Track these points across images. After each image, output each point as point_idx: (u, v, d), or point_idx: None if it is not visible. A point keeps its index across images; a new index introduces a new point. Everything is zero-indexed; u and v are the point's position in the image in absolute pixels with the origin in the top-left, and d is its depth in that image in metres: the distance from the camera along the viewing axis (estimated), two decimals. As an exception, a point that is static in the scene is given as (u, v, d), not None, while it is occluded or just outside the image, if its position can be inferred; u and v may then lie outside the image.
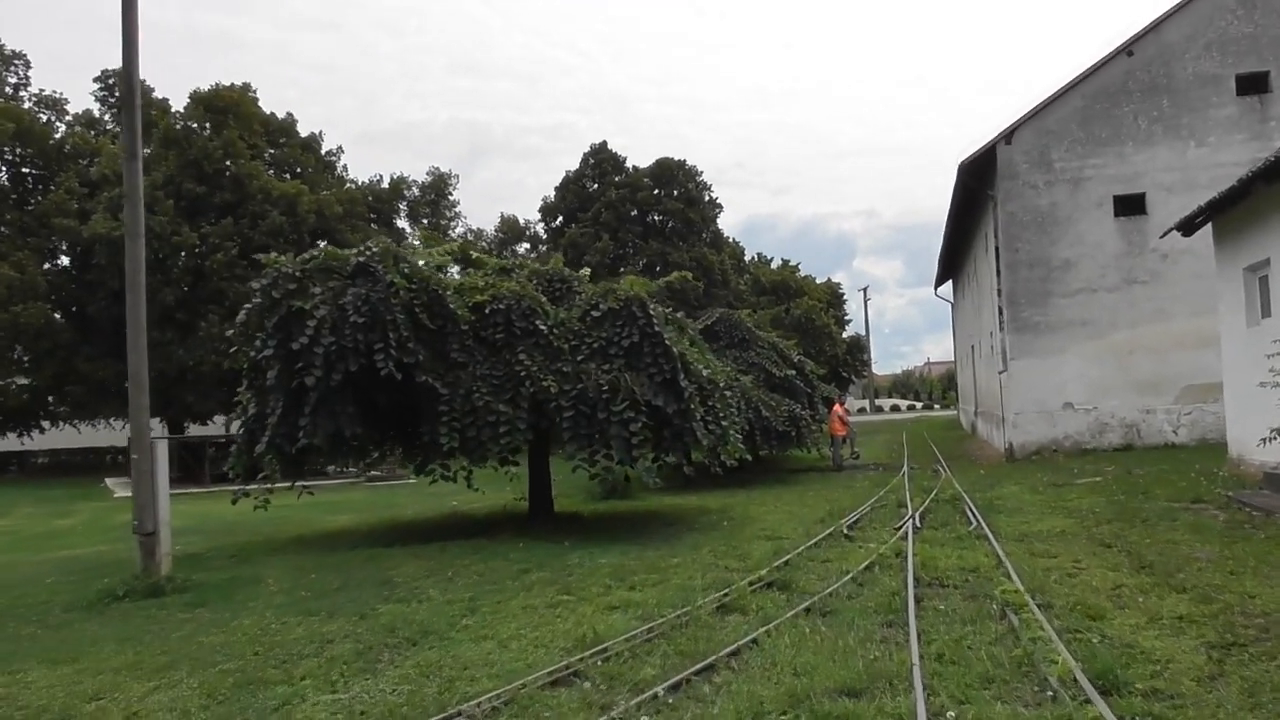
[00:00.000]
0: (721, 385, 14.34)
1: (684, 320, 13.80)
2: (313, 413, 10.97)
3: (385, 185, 40.75)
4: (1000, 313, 22.93)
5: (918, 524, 12.24)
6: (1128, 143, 22.12)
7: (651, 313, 12.35)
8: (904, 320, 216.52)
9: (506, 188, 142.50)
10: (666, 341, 12.13)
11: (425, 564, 10.34)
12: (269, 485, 12.46)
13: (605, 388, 11.69)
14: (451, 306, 11.93)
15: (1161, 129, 22.01)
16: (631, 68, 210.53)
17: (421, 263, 12.26)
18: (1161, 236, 17.92)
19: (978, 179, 23.50)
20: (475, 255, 16.01)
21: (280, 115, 38.09)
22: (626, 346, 12.22)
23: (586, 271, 15.77)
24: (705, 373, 12.93)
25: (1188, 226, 15.54)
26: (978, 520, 12.12)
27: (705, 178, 46.43)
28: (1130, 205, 22.20)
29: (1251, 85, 21.86)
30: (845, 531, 11.89)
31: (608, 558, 10.52)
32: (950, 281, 43.72)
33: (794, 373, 22.24)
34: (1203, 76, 21.97)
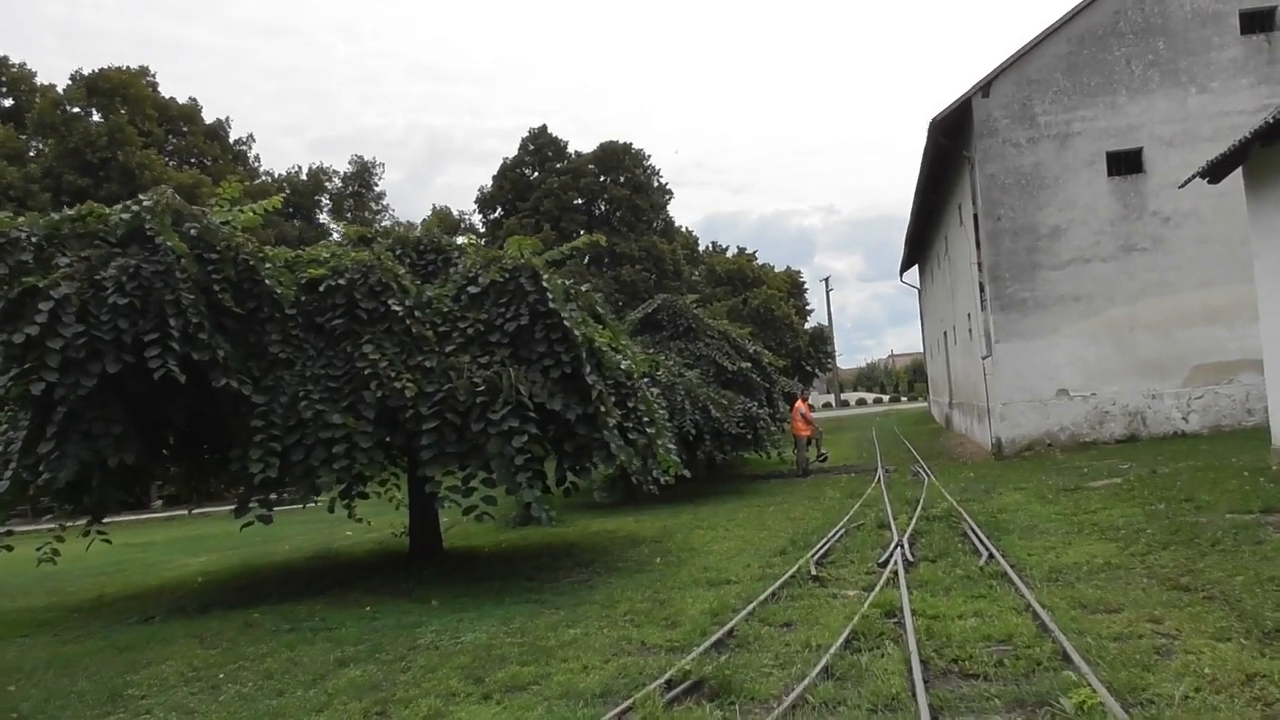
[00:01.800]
0: (649, 382, 11.28)
1: (593, 295, 10.62)
2: (58, 436, 7.71)
3: (304, 177, 37.23)
4: (981, 290, 20.07)
5: (908, 555, 9.22)
6: (1120, 91, 19.35)
7: (546, 285, 9.19)
8: (866, 314, 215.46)
9: (467, 191, 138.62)
10: (566, 323, 8.96)
11: (203, 654, 7.10)
12: (60, 524, 9.29)
13: (482, 388, 8.53)
14: (268, 284, 8.71)
15: (1158, 75, 19.26)
16: (591, 70, 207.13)
17: (222, 222, 8.98)
18: (1181, 186, 15.07)
19: (952, 138, 20.63)
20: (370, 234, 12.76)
21: (182, 100, 34.47)
22: (512, 331, 9.06)
23: (469, 239, 12.58)
24: (624, 365, 9.77)
25: (1217, 170, 12.67)
26: (987, 549, 9.11)
27: (664, 175, 43.57)
28: (1125, 162, 19.42)
29: (1257, 23, 19.16)
30: (813, 570, 8.83)
31: (478, 630, 7.37)
32: (916, 267, 41.08)
33: (749, 365, 19.21)
34: (1202, 14, 19.25)
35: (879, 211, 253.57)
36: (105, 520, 9.91)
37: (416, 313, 9.12)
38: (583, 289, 10.36)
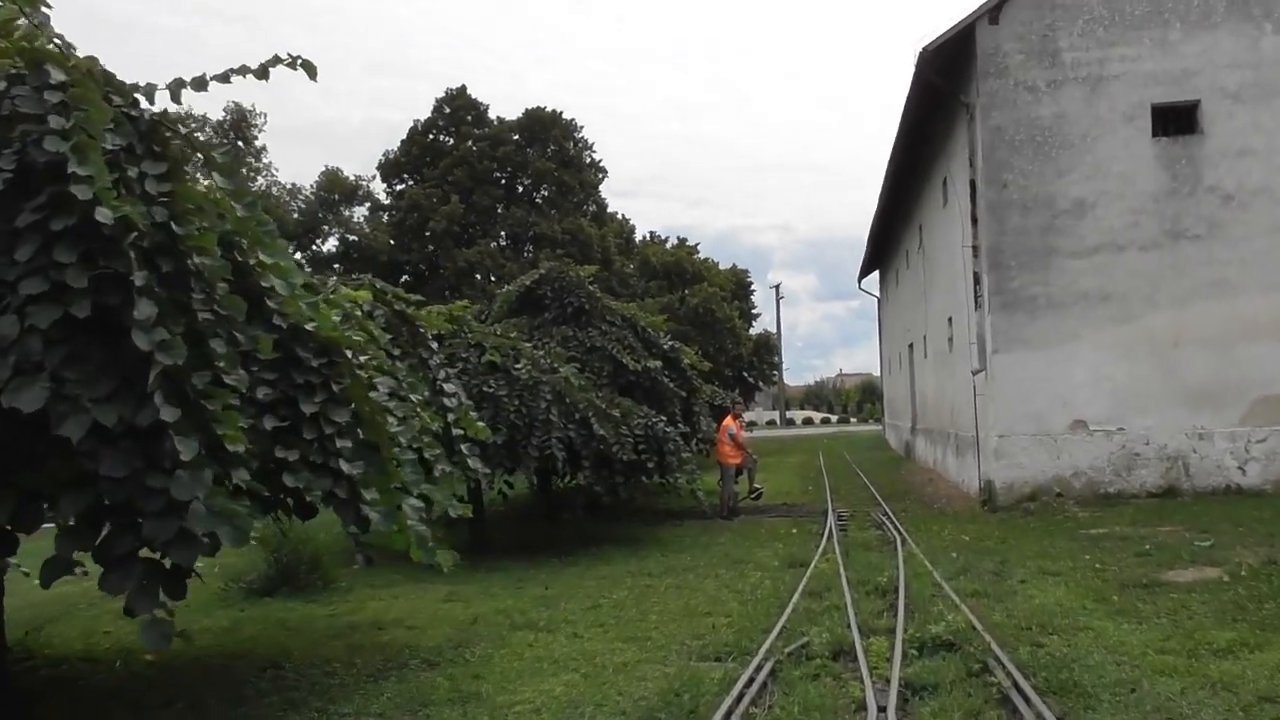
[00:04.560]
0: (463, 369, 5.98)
1: (230, 154, 5.10)
2: None
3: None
4: (976, 282, 15.02)
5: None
6: (1173, 24, 14.46)
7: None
8: (817, 333, 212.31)
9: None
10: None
11: None
12: None
13: None
14: None
15: (1223, 5, 14.41)
16: (551, 74, 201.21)
17: None
18: None
19: (946, 78, 15.59)
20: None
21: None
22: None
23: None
24: (296, 323, 4.37)
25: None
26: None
27: (597, 152, 37.91)
28: (1176, 119, 14.55)
29: (1354, -55, 14.44)
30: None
31: None
32: (878, 274, 36.27)
33: (660, 365, 13.90)
34: (1282, -70, 14.47)
35: (834, 233, 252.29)
36: None
37: None
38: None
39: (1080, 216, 14.43)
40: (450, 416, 7.26)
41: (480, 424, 7.65)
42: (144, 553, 3.55)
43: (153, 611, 3.32)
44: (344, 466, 4.25)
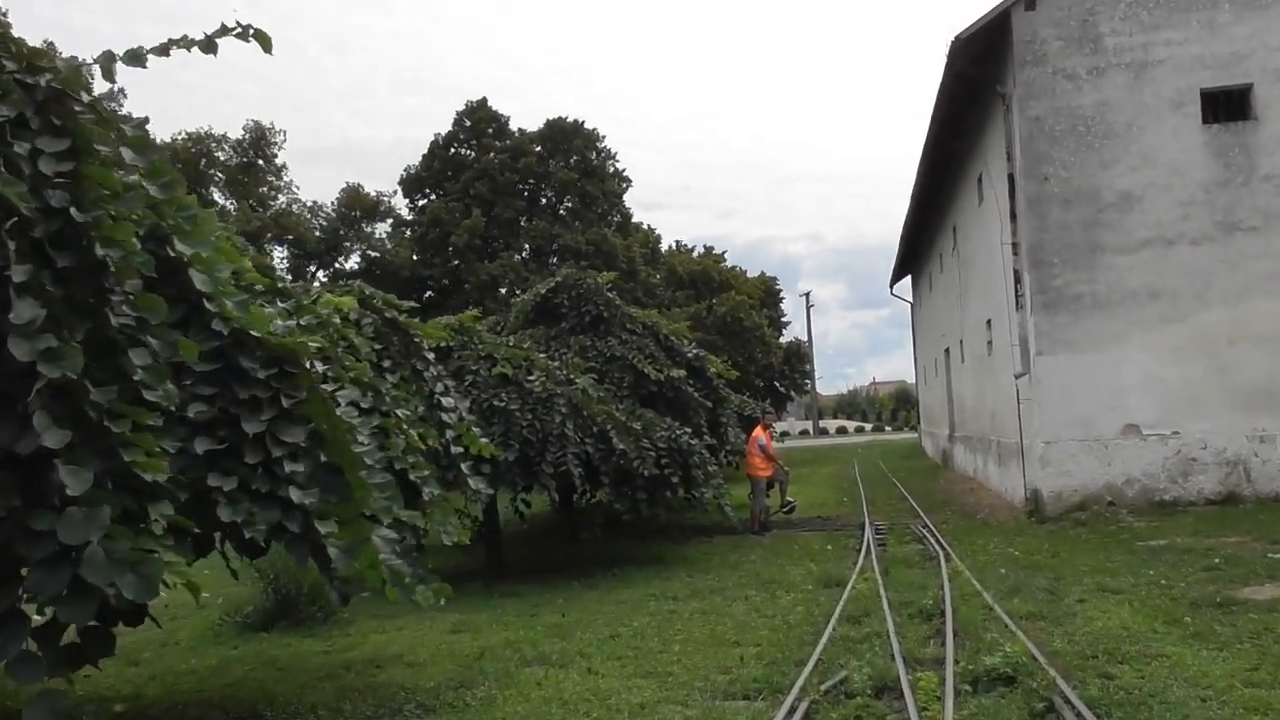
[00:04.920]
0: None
1: (140, 125, 4.49)
2: None
3: (183, 139, 31.00)
4: (1016, 281, 14.24)
5: None
6: (1221, 6, 13.65)
7: None
8: (847, 341, 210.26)
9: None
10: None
11: None
12: None
13: None
14: None
15: (1275, -17, 13.59)
16: (579, 88, 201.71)
17: None
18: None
19: (981, 68, 14.87)
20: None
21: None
22: None
23: None
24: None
25: None
26: None
27: (620, 161, 37.23)
28: (1227, 104, 13.74)
29: None
30: None
31: None
32: (910, 278, 35.39)
33: (683, 374, 13.23)
34: (1337, -98, 13.64)
35: (863, 241, 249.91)
36: None
37: None
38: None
39: (1127, 210, 13.64)
40: (450, 434, 6.66)
41: (484, 440, 7.04)
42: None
43: (44, 679, 2.72)
44: (294, 495, 3.64)
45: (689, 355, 14.00)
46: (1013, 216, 14.22)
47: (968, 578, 9.17)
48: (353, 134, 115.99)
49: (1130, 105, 13.75)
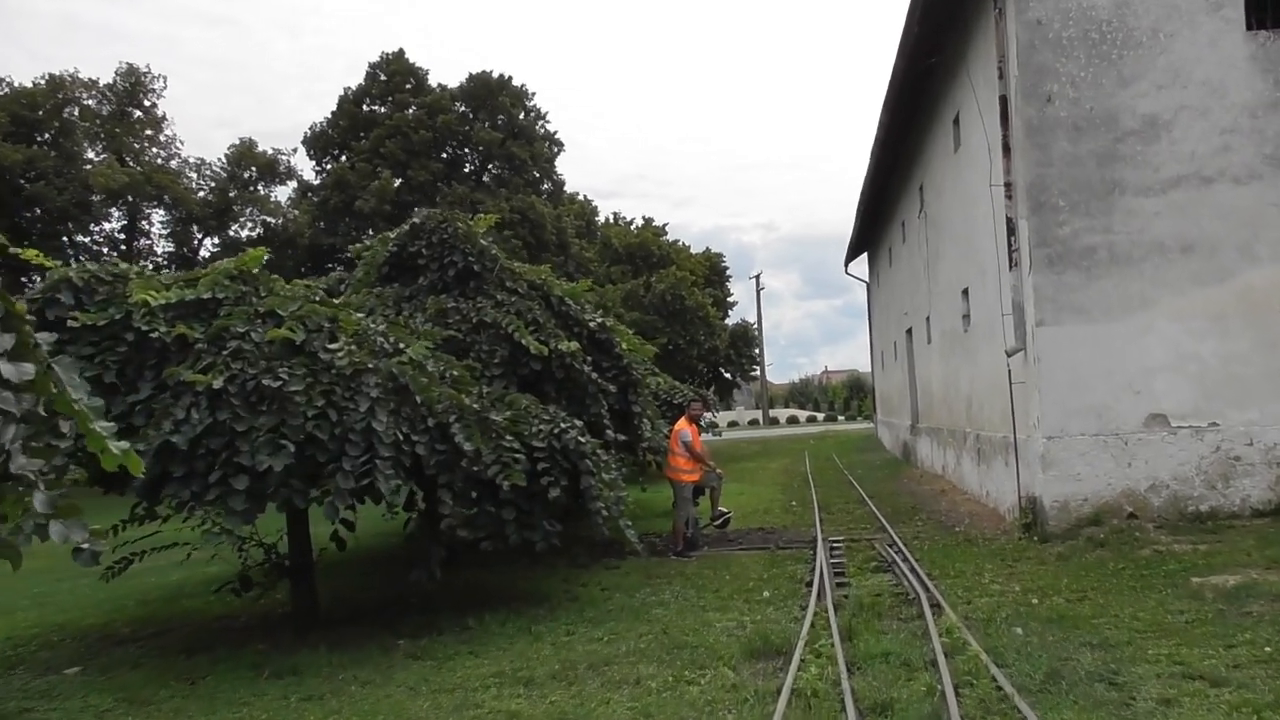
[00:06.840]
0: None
1: None
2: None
3: (42, 84, 26.84)
4: (1010, 231, 11.17)
5: None
6: (1272, -120, 10.69)
7: None
8: (801, 331, 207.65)
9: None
10: None
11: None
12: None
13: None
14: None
15: None
16: (534, 74, 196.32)
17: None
18: None
19: (966, -39, 11.78)
20: None
21: None
22: None
23: None
24: None
25: None
26: None
27: (552, 123, 33.50)
28: (1277, 7, 10.79)
29: None
30: None
31: None
32: (866, 255, 32.50)
33: (576, 348, 9.90)
34: None
35: (817, 230, 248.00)
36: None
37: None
38: None
39: (1152, 139, 10.63)
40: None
41: (119, 446, 3.69)
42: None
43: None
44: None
45: (591, 324, 10.66)
46: (1006, 151, 11.14)
47: (968, 644, 6.08)
48: (305, 117, 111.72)
49: (1157, 6, 10.73)
